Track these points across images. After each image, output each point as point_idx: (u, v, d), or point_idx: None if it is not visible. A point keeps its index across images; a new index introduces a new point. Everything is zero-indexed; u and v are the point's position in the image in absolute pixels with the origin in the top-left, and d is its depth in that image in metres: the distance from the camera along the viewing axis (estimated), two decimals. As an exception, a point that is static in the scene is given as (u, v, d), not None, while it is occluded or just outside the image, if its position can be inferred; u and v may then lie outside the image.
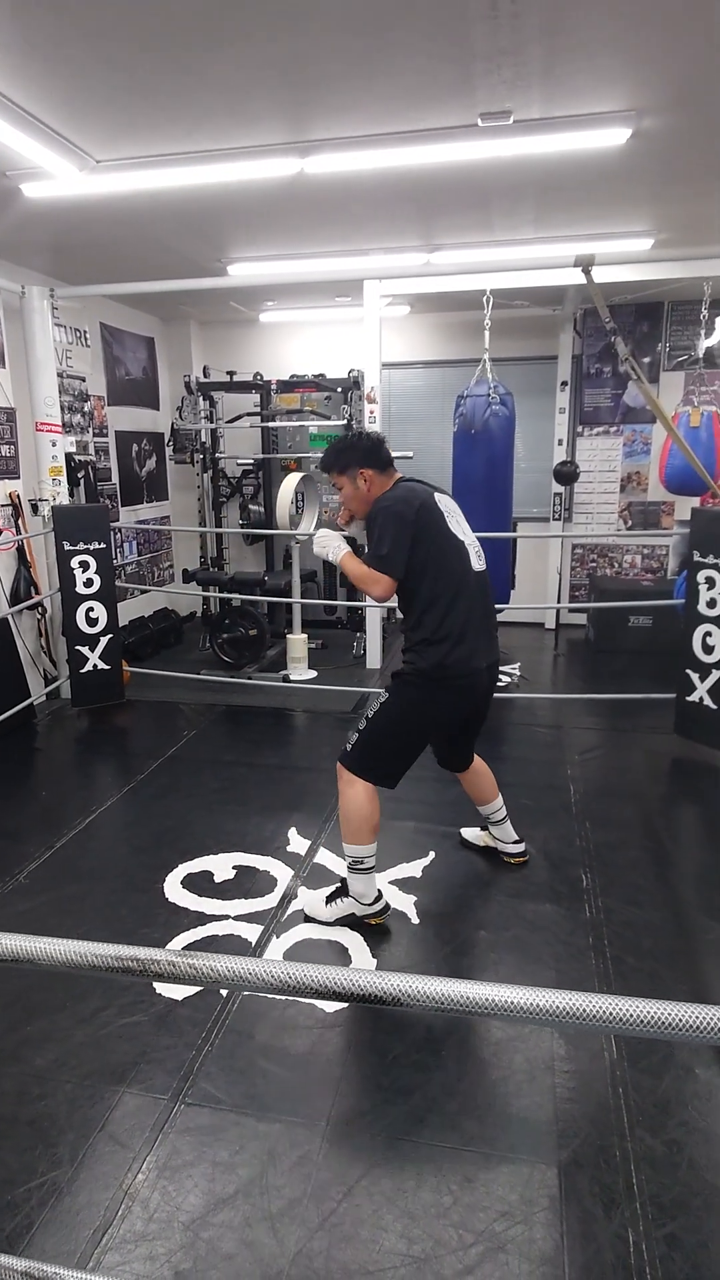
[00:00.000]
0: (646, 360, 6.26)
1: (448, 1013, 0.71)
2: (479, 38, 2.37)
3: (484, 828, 3.08)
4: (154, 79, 2.63)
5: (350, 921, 2.60)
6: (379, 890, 2.61)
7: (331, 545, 2.62)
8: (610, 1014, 0.77)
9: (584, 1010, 0.79)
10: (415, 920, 2.66)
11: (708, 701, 3.90)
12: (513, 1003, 0.74)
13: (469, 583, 2.51)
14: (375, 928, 2.60)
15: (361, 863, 2.54)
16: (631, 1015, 0.77)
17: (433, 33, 2.35)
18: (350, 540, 2.69)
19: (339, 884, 2.65)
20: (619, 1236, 1.59)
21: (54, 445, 4.80)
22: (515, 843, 3.01)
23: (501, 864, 2.99)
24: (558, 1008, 0.78)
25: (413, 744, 2.58)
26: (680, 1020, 0.76)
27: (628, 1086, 1.95)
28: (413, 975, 0.71)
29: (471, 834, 3.15)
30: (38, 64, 2.53)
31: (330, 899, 2.63)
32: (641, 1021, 0.77)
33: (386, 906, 2.63)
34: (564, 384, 6.39)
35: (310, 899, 2.69)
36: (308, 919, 2.64)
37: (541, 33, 2.34)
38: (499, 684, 5.29)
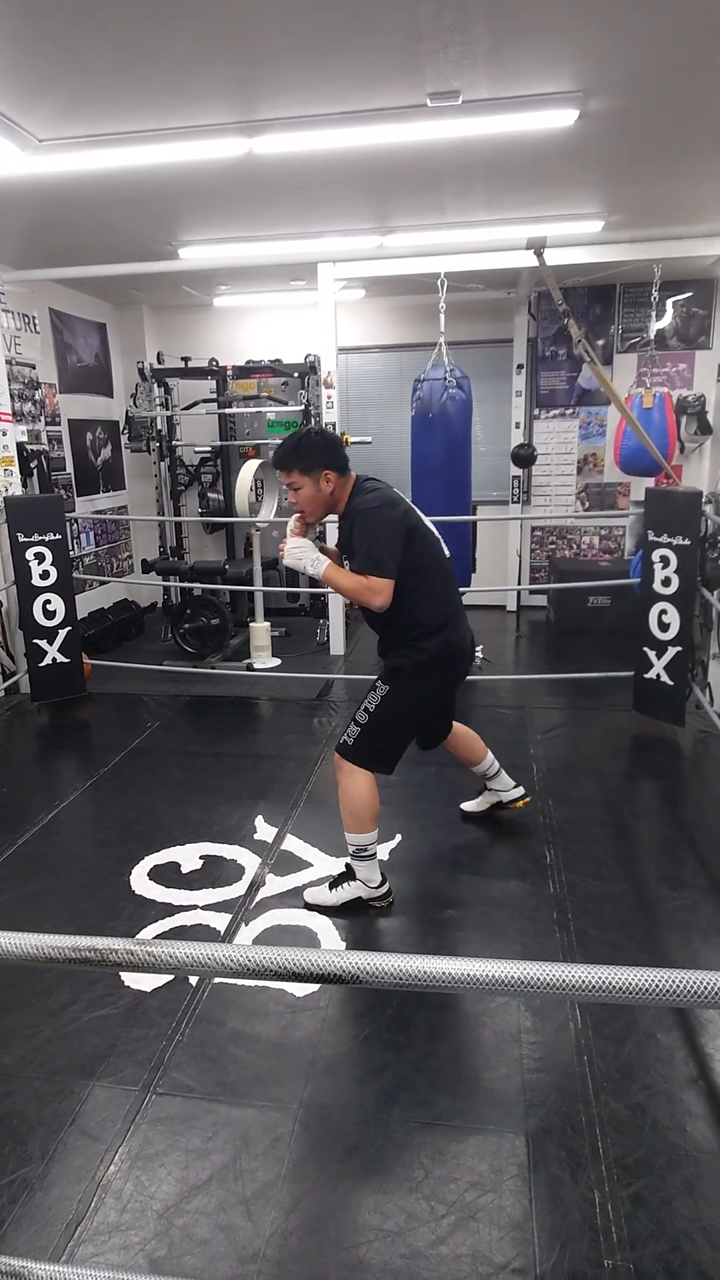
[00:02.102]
0: (600, 343, 6.32)
1: (406, 988, 0.72)
2: (425, 15, 2.35)
3: (481, 790, 3.19)
4: (96, 56, 2.56)
5: (353, 905, 2.62)
6: (383, 875, 2.64)
7: (308, 557, 2.46)
8: (569, 981, 0.79)
9: (545, 979, 0.80)
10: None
11: (664, 678, 3.98)
12: (474, 975, 0.75)
13: (449, 569, 2.59)
14: (343, 911, 2.62)
15: (365, 850, 2.57)
16: (589, 982, 0.79)
17: (379, 10, 2.33)
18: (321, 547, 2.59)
19: (341, 872, 2.68)
20: (585, 1199, 1.63)
21: (4, 434, 4.69)
22: (514, 788, 3.13)
23: (467, 844, 3.03)
24: (517, 978, 0.79)
25: (413, 730, 2.67)
26: (641, 985, 0.77)
27: (592, 1054, 2.00)
28: (381, 954, 0.72)
29: (471, 805, 3.23)
30: (-28, 39, 2.45)
31: (334, 884, 2.65)
32: (597, 987, 0.79)
33: (390, 891, 2.65)
34: (520, 367, 6.42)
35: (313, 891, 2.68)
36: (309, 907, 2.64)
37: (487, 12, 2.33)
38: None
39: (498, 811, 3.19)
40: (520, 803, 3.13)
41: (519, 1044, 2.04)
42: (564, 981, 0.80)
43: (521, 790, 3.14)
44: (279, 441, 5.65)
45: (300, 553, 2.46)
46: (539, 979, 0.80)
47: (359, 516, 2.41)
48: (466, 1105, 1.87)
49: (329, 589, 2.79)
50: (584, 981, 0.78)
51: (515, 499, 6.59)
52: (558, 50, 2.58)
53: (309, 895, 2.67)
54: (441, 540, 2.60)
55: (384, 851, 3.00)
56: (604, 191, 4.12)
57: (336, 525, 2.64)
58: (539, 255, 3.79)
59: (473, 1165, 1.71)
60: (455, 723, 2.96)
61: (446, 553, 2.61)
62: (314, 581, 5.78)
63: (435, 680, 2.57)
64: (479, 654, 5.56)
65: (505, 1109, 1.85)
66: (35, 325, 5.62)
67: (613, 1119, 1.81)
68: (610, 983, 0.77)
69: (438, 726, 2.90)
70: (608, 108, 3.01)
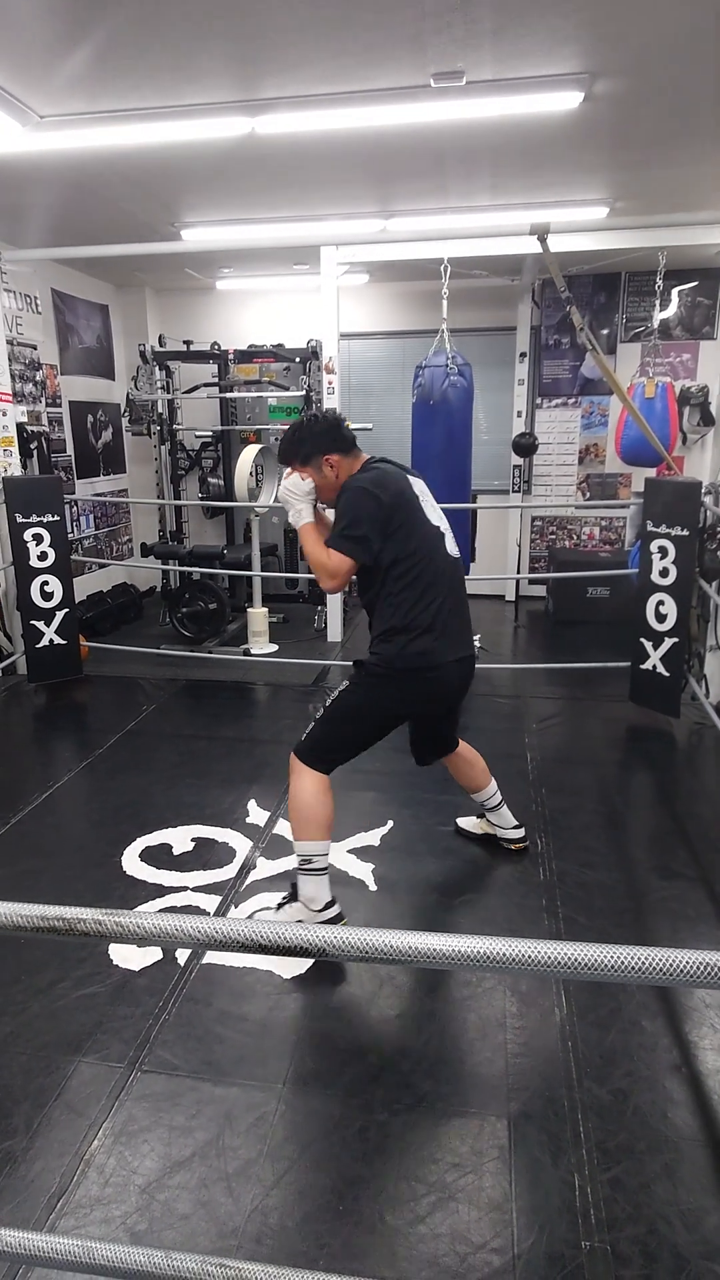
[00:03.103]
0: (604, 332, 6.28)
1: (384, 962, 0.72)
2: (429, -7, 2.32)
3: (480, 815, 2.96)
4: (98, 30, 2.53)
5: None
6: (332, 896, 2.37)
7: (295, 504, 2.35)
8: (552, 958, 0.78)
9: (526, 956, 0.80)
10: (373, 887, 2.69)
11: (660, 669, 3.98)
12: (451, 951, 0.75)
13: (443, 572, 2.35)
14: (335, 896, 2.62)
15: (311, 862, 2.32)
16: (572, 959, 0.78)
17: (382, -13, 2.30)
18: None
19: (290, 889, 2.46)
20: (565, 1182, 1.64)
21: (4, 415, 4.67)
22: (515, 828, 2.87)
23: (458, 833, 3.03)
24: (495, 954, 0.79)
25: (367, 736, 2.41)
26: (624, 963, 0.77)
27: (577, 1040, 2.01)
28: (365, 929, 0.72)
29: (468, 823, 3.01)
30: (-29, 10, 2.42)
31: (281, 905, 2.45)
32: (580, 964, 0.78)
33: (340, 916, 2.38)
34: (523, 355, 6.38)
35: (262, 915, 2.51)
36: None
37: (492, -10, 2.31)
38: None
39: (496, 840, 2.93)
40: (516, 846, 2.85)
41: (504, 1029, 2.05)
42: (547, 959, 0.79)
43: (522, 833, 2.87)
44: (280, 426, 5.64)
45: (291, 495, 2.36)
46: (519, 956, 0.79)
47: (345, 491, 2.30)
48: (450, 1088, 1.88)
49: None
50: (567, 958, 0.78)
51: (516, 488, 6.57)
52: (563, 30, 2.55)
53: (258, 915, 2.51)
54: (446, 539, 2.40)
55: (375, 837, 3.01)
56: (609, 177, 4.08)
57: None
58: (543, 240, 3.76)
59: (453, 1147, 1.72)
60: (462, 743, 2.77)
61: (452, 551, 2.41)
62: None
63: (404, 692, 2.34)
64: (475, 642, 5.55)
65: (488, 1092, 1.86)
66: (37, 306, 5.59)
67: (595, 1104, 1.82)
68: (593, 960, 0.77)
69: (433, 741, 2.71)
70: (613, 90, 2.97)
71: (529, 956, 0.78)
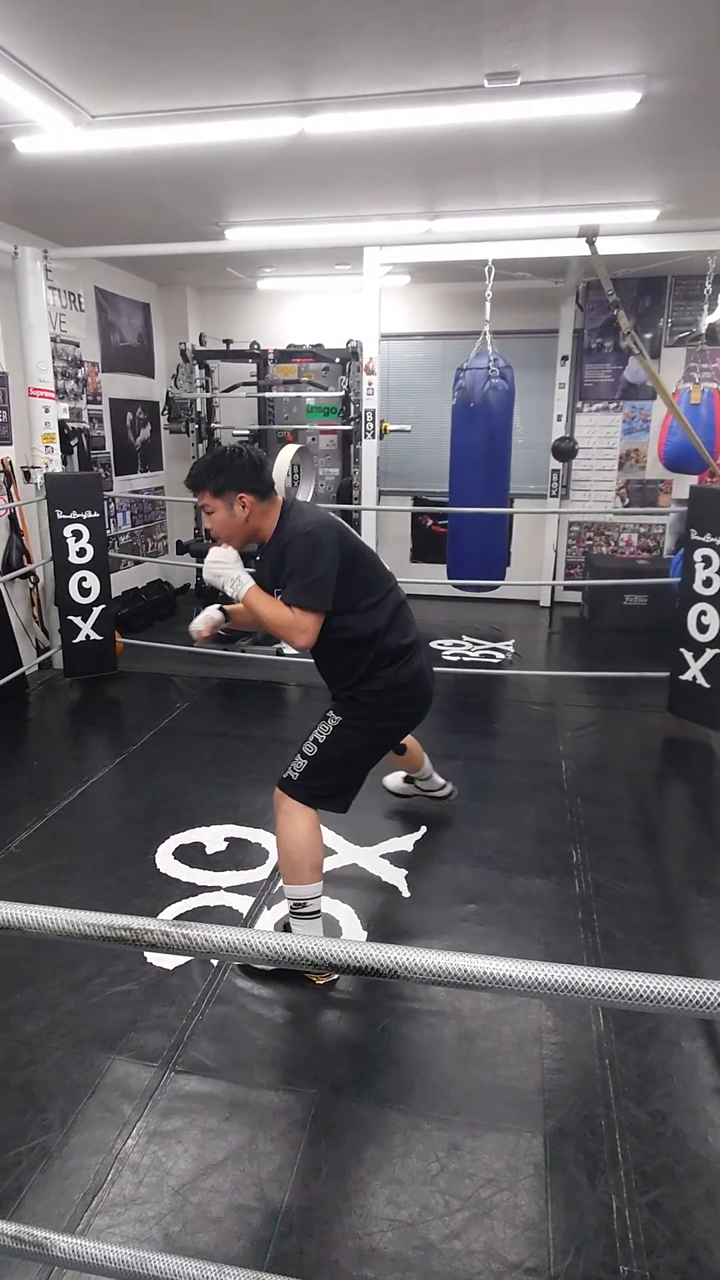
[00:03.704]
0: (648, 336, 6.19)
1: (441, 984, 0.70)
2: (487, -8, 2.30)
3: (407, 779, 3.20)
4: (151, 30, 2.55)
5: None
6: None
7: (229, 574, 2.14)
8: (599, 987, 0.76)
9: (574, 983, 0.78)
10: (406, 893, 2.67)
11: (701, 680, 3.90)
12: (504, 975, 0.73)
13: (395, 589, 2.33)
14: (366, 900, 2.61)
15: (304, 906, 2.22)
16: (620, 988, 0.77)
17: (439, -14, 2.28)
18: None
19: (283, 927, 2.36)
20: (603, 1203, 1.61)
21: (46, 412, 4.72)
22: (442, 787, 3.17)
23: (492, 839, 3.00)
24: (548, 981, 0.77)
25: (366, 765, 2.36)
26: (667, 993, 0.75)
27: (614, 1058, 1.97)
28: (407, 947, 0.70)
29: (394, 783, 3.24)
30: (31, 11, 2.44)
31: None
32: (630, 995, 0.76)
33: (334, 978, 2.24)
34: (564, 358, 6.31)
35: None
36: (244, 971, 2.26)
37: (552, -12, 2.27)
38: (492, 661, 5.29)
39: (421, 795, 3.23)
40: (448, 798, 3.21)
41: (540, 1043, 2.02)
42: (588, 986, 0.77)
43: (450, 786, 3.20)
44: (317, 427, 5.63)
45: (220, 568, 2.14)
46: (562, 982, 0.77)
47: (293, 541, 2.12)
48: (484, 1101, 1.85)
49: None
50: (608, 987, 0.76)
51: (553, 493, 6.50)
52: (622, 29, 2.51)
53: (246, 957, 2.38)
54: (381, 561, 2.38)
55: (409, 842, 2.99)
56: (661, 178, 4.02)
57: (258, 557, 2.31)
58: (591, 244, 3.71)
59: (489, 1162, 1.70)
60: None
61: (390, 573, 2.38)
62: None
63: (393, 712, 2.31)
64: (508, 649, 5.52)
65: (524, 1108, 1.83)
66: (80, 304, 5.65)
67: (633, 1124, 1.79)
68: (635, 990, 0.74)
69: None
70: (671, 90, 2.92)
71: (573, 983, 0.76)
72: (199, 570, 6.30)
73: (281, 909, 2.56)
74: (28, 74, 2.82)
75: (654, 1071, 1.93)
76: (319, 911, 2.26)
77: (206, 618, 2.39)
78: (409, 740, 2.90)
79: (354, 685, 2.26)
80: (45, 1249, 0.77)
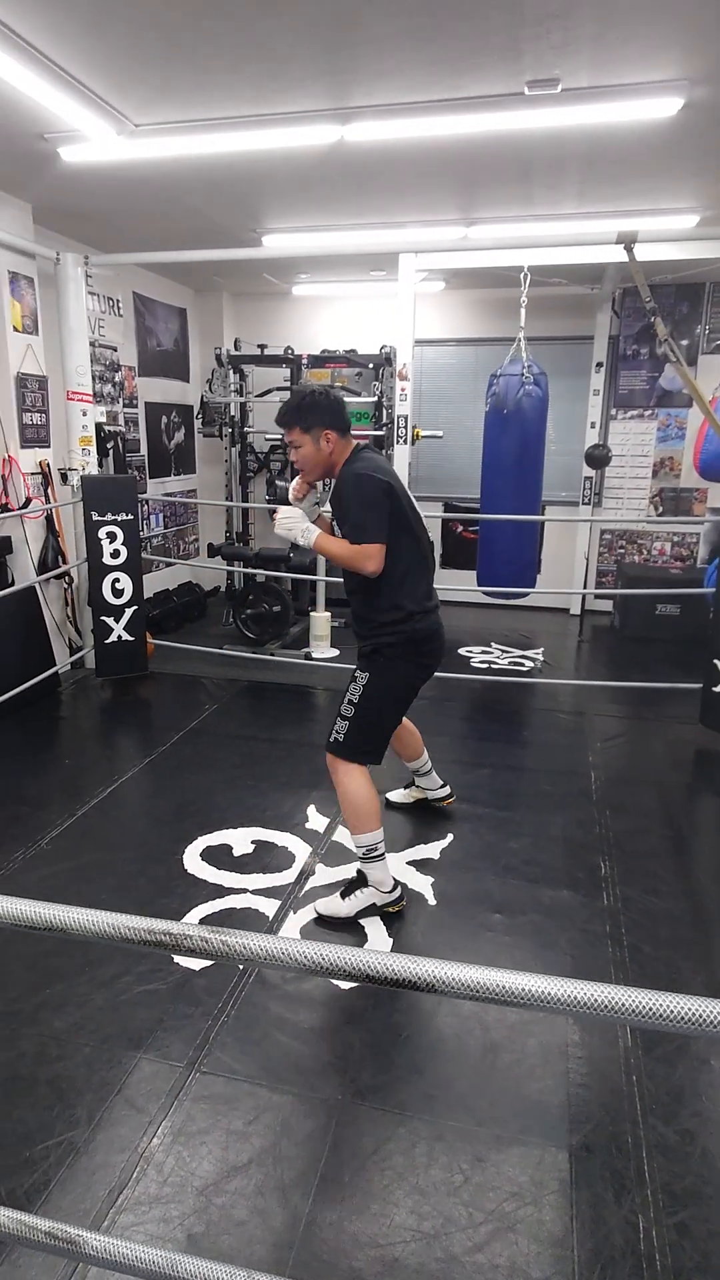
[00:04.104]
0: (685, 343, 6.12)
1: (479, 1000, 0.70)
2: (530, 1, 2.29)
3: (409, 785, 3.28)
4: (195, 41, 2.58)
5: (372, 912, 2.55)
6: (394, 877, 2.57)
7: (298, 526, 2.43)
8: (641, 1008, 0.75)
9: (606, 1002, 0.77)
10: (432, 901, 2.66)
11: (735, 693, 3.84)
12: (544, 993, 0.73)
13: (426, 549, 2.54)
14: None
15: (375, 850, 2.50)
16: (655, 1009, 0.75)
17: (482, -5, 2.28)
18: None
19: (352, 879, 2.58)
20: (629, 1222, 1.59)
21: (84, 415, 4.80)
22: (441, 787, 3.22)
23: (519, 849, 2.98)
24: (589, 1000, 0.76)
25: (396, 715, 2.62)
26: (704, 1015, 0.74)
27: (641, 1074, 1.95)
28: (444, 961, 0.70)
29: (398, 795, 3.30)
30: (77, 23, 2.49)
31: (346, 893, 2.54)
32: (665, 1016, 0.75)
33: (402, 896, 2.59)
34: (599, 365, 6.27)
35: (324, 902, 2.56)
36: (321, 919, 2.52)
37: (595, -4, 2.26)
38: (521, 668, 5.25)
39: (426, 802, 3.27)
40: (447, 801, 3.23)
41: (566, 1057, 2.00)
42: (630, 1007, 0.76)
43: (449, 789, 3.23)
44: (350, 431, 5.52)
45: (290, 522, 2.44)
46: (591, 1000, 0.76)
47: (347, 481, 2.39)
48: (508, 1114, 1.84)
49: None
50: (651, 1009, 0.74)
51: (586, 500, 6.45)
52: (665, 36, 2.49)
53: (320, 906, 2.55)
54: (423, 520, 2.57)
55: (435, 850, 2.98)
56: (701, 184, 3.97)
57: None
58: (629, 250, 3.68)
59: (513, 1175, 1.68)
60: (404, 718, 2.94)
61: (428, 533, 2.58)
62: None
63: (411, 663, 2.51)
64: (538, 656, 5.48)
65: (549, 1122, 1.82)
66: (119, 309, 5.73)
67: (660, 1143, 1.76)
68: (666, 1010, 0.73)
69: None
70: (713, 97, 2.89)
71: (614, 1004, 0.75)
72: (230, 573, 6.35)
73: (307, 914, 2.58)
74: (75, 85, 2.87)
75: (682, 1089, 1.91)
76: (384, 854, 2.52)
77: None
78: (407, 725, 3.01)
79: (374, 637, 2.48)
80: (78, 1246, 0.78)
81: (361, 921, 2.55)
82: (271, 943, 0.69)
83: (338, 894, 2.56)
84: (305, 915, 2.57)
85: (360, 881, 2.55)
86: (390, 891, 2.54)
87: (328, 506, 2.63)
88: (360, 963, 0.67)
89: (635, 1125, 1.80)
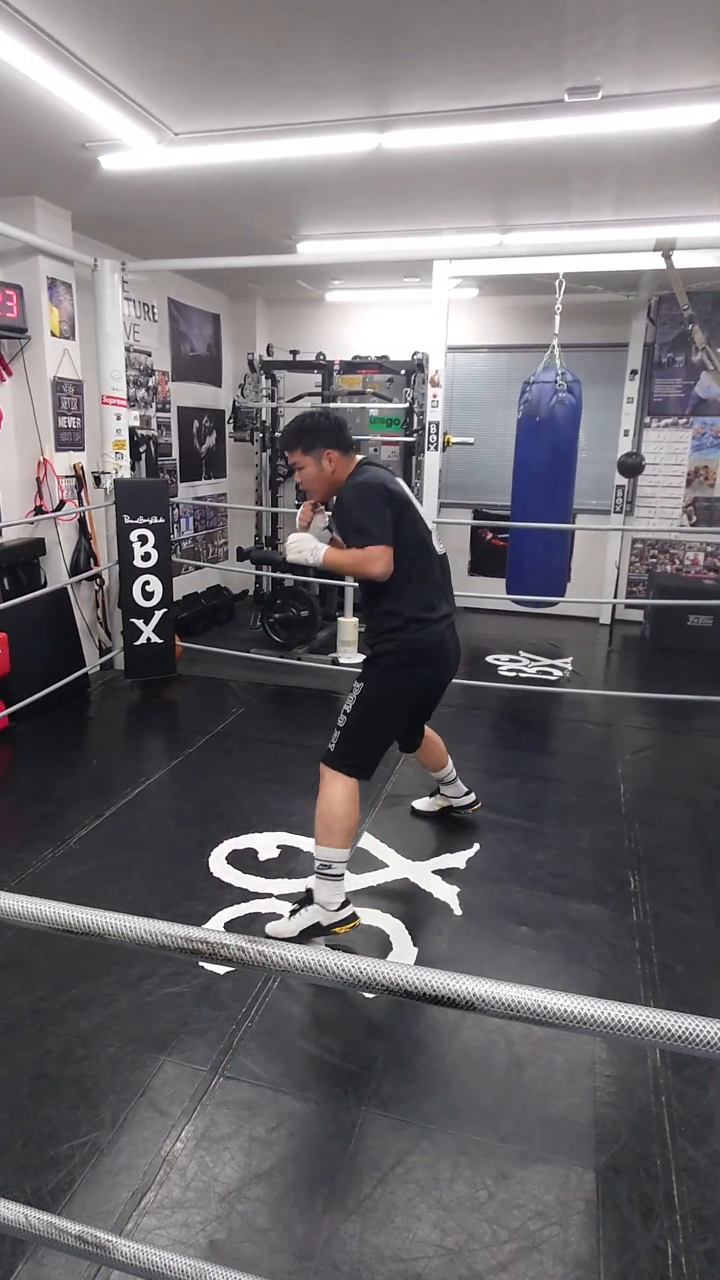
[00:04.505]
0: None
1: (521, 1020, 0.69)
2: (573, 8, 2.28)
3: (433, 794, 3.24)
4: (237, 50, 2.60)
5: (318, 931, 2.43)
6: (346, 897, 2.44)
7: (308, 547, 2.43)
8: (677, 1033, 0.74)
9: (650, 1027, 0.75)
10: (458, 912, 2.64)
11: (769, 707, 3.77)
12: (587, 1016, 0.71)
13: (435, 558, 2.50)
14: (417, 916, 2.59)
15: (330, 868, 2.39)
16: (676, 1031, 0.73)
17: (525, 2, 2.27)
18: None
19: (304, 894, 2.52)
20: (657, 1248, 1.55)
21: (118, 419, 4.85)
22: (466, 794, 3.18)
23: (546, 860, 2.95)
24: (598, 1018, 0.74)
25: (395, 729, 2.57)
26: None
27: (670, 1096, 1.91)
28: (485, 979, 0.69)
29: (423, 803, 3.28)
30: (120, 32, 2.52)
31: (295, 910, 2.47)
32: (683, 1038, 0.73)
33: (354, 915, 2.45)
34: (633, 373, 6.21)
35: (274, 925, 2.48)
36: (269, 939, 2.47)
37: (639, 1, 2.24)
38: (549, 678, 5.21)
39: (451, 813, 3.24)
40: (473, 809, 3.20)
41: (593, 1075, 1.97)
42: (661, 1030, 0.74)
43: (474, 796, 3.20)
44: (380, 438, 5.67)
45: (299, 546, 2.44)
46: (621, 1021, 0.74)
47: (346, 491, 2.39)
48: (534, 1131, 1.81)
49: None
50: (671, 1030, 0.72)
51: (617, 509, 6.39)
52: (708, 42, 2.46)
53: (270, 929, 2.47)
54: (434, 533, 2.55)
55: (461, 859, 2.96)
56: (742, 192, 3.92)
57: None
58: (667, 258, 3.65)
59: (538, 1194, 1.66)
60: (426, 727, 2.95)
61: (438, 548, 2.53)
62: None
63: (420, 677, 2.47)
64: (566, 666, 5.43)
65: (575, 1141, 1.79)
66: (154, 314, 5.80)
67: (690, 1167, 1.72)
68: (699, 1035, 0.71)
69: (419, 725, 2.89)
70: (757, 104, 2.85)
71: (646, 1026, 0.73)
72: (258, 577, 6.38)
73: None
74: (117, 94, 2.91)
75: (713, 1113, 1.87)
76: (343, 875, 2.42)
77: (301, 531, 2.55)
78: (431, 735, 2.98)
79: (375, 646, 2.44)
80: (107, 1251, 0.78)
81: (385, 928, 2.53)
82: (310, 955, 0.69)
83: (288, 914, 2.49)
84: (330, 922, 2.56)
85: (308, 899, 2.47)
86: (337, 910, 2.41)
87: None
88: (400, 978, 0.66)
89: (664, 1148, 1.77)
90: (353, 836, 2.42)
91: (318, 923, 2.43)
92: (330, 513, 2.57)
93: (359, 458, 2.50)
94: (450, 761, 3.11)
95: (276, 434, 6.42)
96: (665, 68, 2.63)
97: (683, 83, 2.73)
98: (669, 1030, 0.71)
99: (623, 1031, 0.69)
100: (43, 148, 3.44)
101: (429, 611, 2.42)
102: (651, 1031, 0.69)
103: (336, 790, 2.40)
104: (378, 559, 2.29)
